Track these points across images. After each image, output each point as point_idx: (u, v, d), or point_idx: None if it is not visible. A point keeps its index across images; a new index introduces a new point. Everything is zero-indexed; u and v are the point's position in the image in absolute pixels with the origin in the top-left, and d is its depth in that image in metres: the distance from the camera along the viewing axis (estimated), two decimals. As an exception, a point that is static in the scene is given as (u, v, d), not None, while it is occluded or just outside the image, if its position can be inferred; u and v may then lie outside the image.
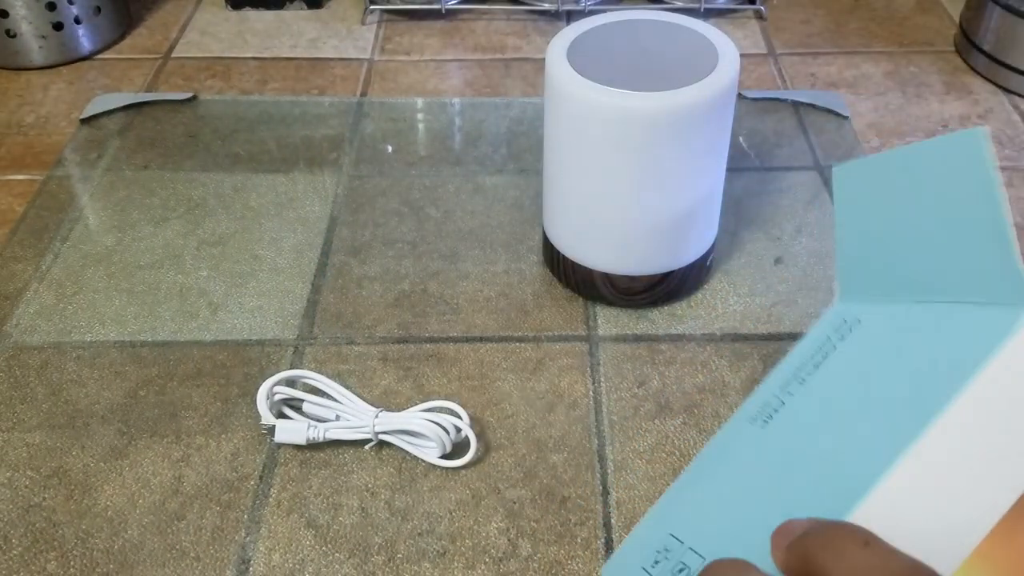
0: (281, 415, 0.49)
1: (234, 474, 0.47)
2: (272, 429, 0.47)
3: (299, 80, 0.80)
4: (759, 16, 0.89)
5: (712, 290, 0.58)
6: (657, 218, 0.51)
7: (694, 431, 0.49)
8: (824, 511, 0.25)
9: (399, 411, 0.48)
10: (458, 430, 0.47)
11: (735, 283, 0.58)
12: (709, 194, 0.53)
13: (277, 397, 0.48)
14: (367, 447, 0.48)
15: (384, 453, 0.48)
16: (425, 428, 0.46)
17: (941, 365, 0.26)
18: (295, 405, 0.49)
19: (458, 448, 0.47)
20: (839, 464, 0.26)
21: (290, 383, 0.50)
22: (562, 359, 0.53)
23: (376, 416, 0.47)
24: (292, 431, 0.47)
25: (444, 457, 0.47)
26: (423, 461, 0.47)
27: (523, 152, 0.70)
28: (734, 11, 0.90)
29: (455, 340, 0.54)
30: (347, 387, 0.49)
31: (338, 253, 0.61)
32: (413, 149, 0.71)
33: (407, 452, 0.47)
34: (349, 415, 0.48)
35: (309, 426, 0.47)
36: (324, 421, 0.48)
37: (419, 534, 0.44)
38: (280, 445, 0.48)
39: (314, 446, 0.48)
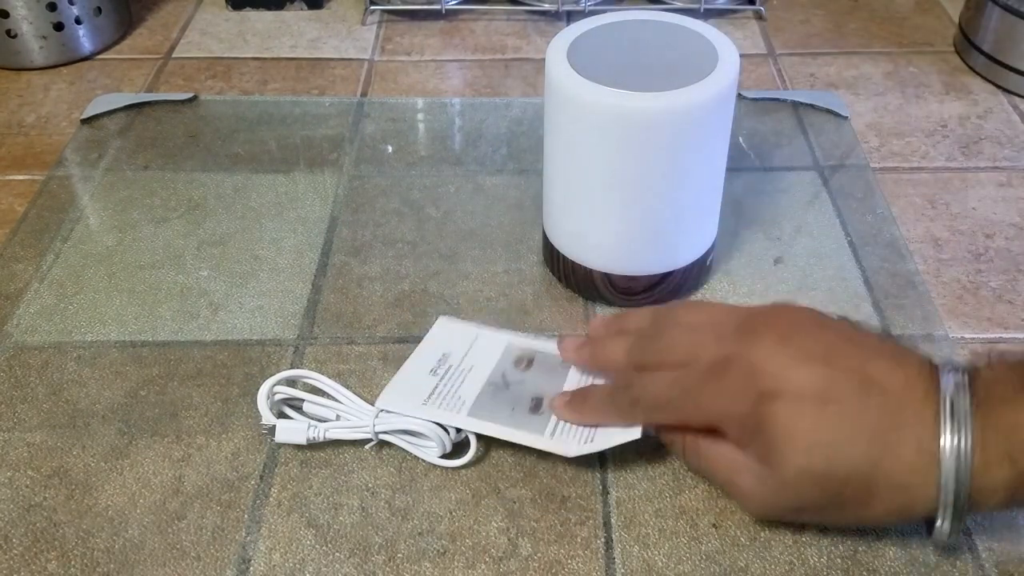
0: (281, 415, 0.49)
1: (234, 474, 0.47)
2: (272, 429, 0.47)
3: (299, 80, 0.80)
4: (759, 16, 0.90)
5: (712, 290, 0.58)
6: (657, 218, 0.51)
7: (694, 431, 0.49)
8: None
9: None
10: (458, 430, 0.47)
11: (735, 283, 0.58)
12: (709, 194, 0.53)
13: (277, 397, 0.48)
14: (367, 447, 0.48)
15: (384, 453, 0.48)
16: (425, 428, 0.46)
17: None
18: (295, 405, 0.49)
19: (458, 448, 0.47)
20: None
21: (290, 383, 0.50)
22: (562, 359, 0.53)
23: (376, 416, 0.47)
24: (292, 431, 0.47)
25: (444, 457, 0.47)
26: (423, 461, 0.47)
27: (523, 152, 0.70)
28: (734, 11, 0.90)
29: (455, 340, 0.54)
30: (347, 387, 0.49)
31: (338, 253, 0.61)
32: (413, 149, 0.71)
33: (407, 452, 0.47)
34: (349, 415, 0.48)
35: (309, 426, 0.47)
36: (324, 421, 0.48)
37: (419, 533, 0.44)
38: (280, 445, 0.48)
39: (314, 446, 0.48)
